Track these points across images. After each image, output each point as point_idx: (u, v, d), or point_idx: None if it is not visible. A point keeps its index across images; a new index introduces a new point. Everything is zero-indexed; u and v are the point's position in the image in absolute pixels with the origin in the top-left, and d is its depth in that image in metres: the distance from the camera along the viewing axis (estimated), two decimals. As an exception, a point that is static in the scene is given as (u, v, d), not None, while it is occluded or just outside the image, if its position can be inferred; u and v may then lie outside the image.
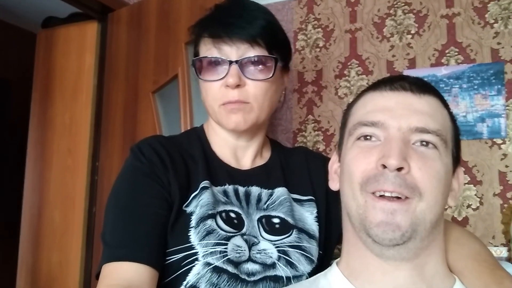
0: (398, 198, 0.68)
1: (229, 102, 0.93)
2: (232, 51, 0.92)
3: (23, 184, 2.56)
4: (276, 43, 0.97)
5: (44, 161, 2.50)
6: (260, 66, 0.94)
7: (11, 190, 3.02)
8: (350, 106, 0.83)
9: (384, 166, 0.68)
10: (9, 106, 3.58)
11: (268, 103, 0.96)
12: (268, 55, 0.94)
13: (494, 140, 2.27)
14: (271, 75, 0.95)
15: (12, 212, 2.79)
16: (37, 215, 2.46)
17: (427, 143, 0.71)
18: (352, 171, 0.73)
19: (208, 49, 0.94)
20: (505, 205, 2.21)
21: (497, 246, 2.17)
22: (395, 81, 0.77)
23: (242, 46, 0.92)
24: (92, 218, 2.34)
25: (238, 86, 0.92)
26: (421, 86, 0.76)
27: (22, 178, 2.57)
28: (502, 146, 2.25)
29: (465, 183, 2.28)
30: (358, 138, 0.75)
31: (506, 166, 2.24)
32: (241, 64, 0.92)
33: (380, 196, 0.68)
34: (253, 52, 0.93)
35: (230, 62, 0.92)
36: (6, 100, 3.57)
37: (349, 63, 2.63)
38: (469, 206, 2.28)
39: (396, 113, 0.72)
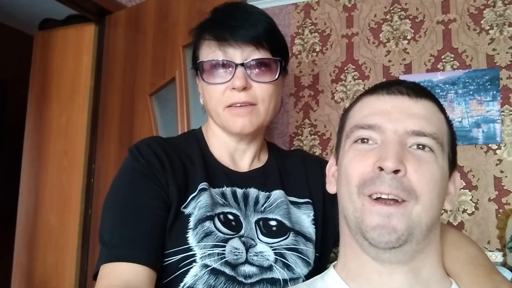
0: (395, 201, 0.68)
1: (235, 104, 0.93)
2: (237, 53, 0.92)
3: (19, 185, 2.55)
4: (278, 46, 0.97)
5: (40, 163, 2.49)
6: (265, 69, 0.94)
7: (6, 192, 3.01)
8: (347, 110, 0.84)
9: (381, 169, 0.69)
10: (6, 108, 3.57)
11: (273, 105, 0.97)
12: (273, 57, 0.95)
13: (490, 145, 2.28)
14: (276, 77, 0.95)
15: (7, 213, 2.78)
16: (32, 217, 2.46)
17: (424, 146, 0.72)
18: (349, 173, 0.73)
19: (212, 52, 0.94)
20: (500, 210, 2.22)
21: (492, 251, 2.18)
22: (392, 86, 0.78)
23: (247, 48, 0.92)
24: (88, 220, 2.33)
25: (244, 88, 0.92)
26: (418, 91, 0.77)
27: (18, 179, 2.56)
28: (497, 151, 2.27)
29: (461, 188, 2.29)
30: (355, 141, 0.75)
31: (501, 172, 2.26)
32: (247, 66, 0.92)
33: (377, 198, 0.69)
34: (258, 54, 0.93)
35: (236, 65, 0.92)
36: (2, 101, 3.56)
37: (345, 68, 2.65)
38: (464, 211, 2.29)
39: (393, 117, 0.73)
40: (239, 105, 0.93)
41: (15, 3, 2.97)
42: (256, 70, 0.93)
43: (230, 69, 0.92)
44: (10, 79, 3.53)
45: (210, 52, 0.94)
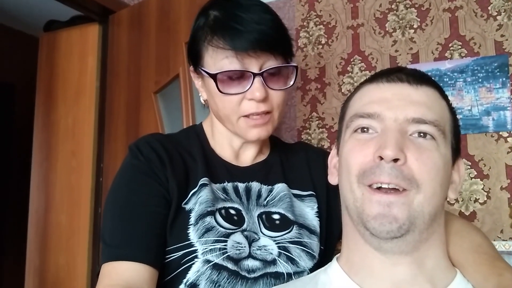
0: (396, 190, 0.67)
1: (254, 114, 0.90)
2: (253, 62, 0.88)
3: (29, 187, 2.57)
4: (290, 48, 0.95)
5: (49, 164, 2.51)
6: (281, 75, 0.92)
7: (17, 193, 3.04)
8: (348, 99, 0.83)
9: (381, 158, 0.67)
10: (14, 110, 3.60)
11: (284, 108, 0.96)
12: (288, 64, 0.92)
13: (500, 133, 2.25)
14: (292, 83, 0.94)
15: (19, 215, 2.81)
16: (43, 218, 2.48)
17: (425, 134, 0.70)
18: (349, 163, 0.72)
19: (227, 60, 0.88)
20: (513, 199, 2.19)
21: (506, 240, 2.16)
22: (392, 73, 0.76)
23: (263, 56, 0.88)
24: (98, 219, 2.34)
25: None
26: (418, 77, 0.75)
27: (28, 181, 2.58)
28: (508, 139, 2.23)
29: (472, 177, 2.26)
30: (355, 130, 0.74)
31: (513, 159, 2.22)
32: (264, 75, 0.89)
33: (377, 188, 0.67)
34: (274, 61, 0.89)
35: (254, 75, 0.88)
36: (10, 104, 3.59)
37: (352, 59, 2.62)
38: (476, 200, 2.26)
39: (393, 104, 0.71)
40: (257, 115, 0.90)
41: (20, 6, 2.99)
42: (273, 78, 0.90)
43: (248, 78, 0.88)
44: (18, 81, 3.56)
45: (222, 59, 0.88)
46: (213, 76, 0.89)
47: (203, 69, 0.92)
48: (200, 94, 1.00)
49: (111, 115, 2.36)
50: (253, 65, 0.88)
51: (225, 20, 0.90)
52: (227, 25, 0.89)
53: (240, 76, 0.89)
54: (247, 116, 0.90)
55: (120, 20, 2.39)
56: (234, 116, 0.91)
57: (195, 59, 0.95)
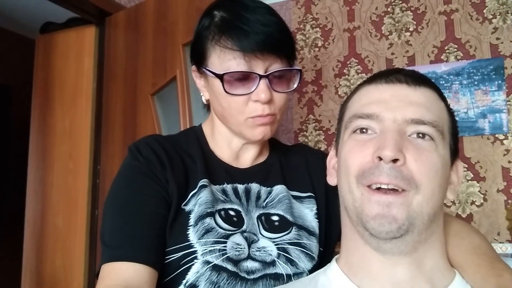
0: (395, 190, 0.67)
1: (259, 116, 0.91)
2: (259, 63, 0.89)
3: (25, 189, 2.56)
4: (294, 52, 0.96)
5: (46, 166, 2.50)
6: (285, 78, 0.93)
7: (14, 196, 3.03)
8: (346, 100, 0.83)
9: (380, 158, 0.67)
10: (10, 112, 3.59)
11: (286, 110, 0.96)
12: (293, 67, 0.93)
13: (496, 135, 2.26)
14: (295, 85, 0.95)
15: (15, 217, 2.80)
16: (40, 220, 2.47)
17: (423, 135, 0.70)
18: (348, 164, 0.72)
19: (235, 61, 0.89)
20: (509, 201, 2.20)
21: (502, 242, 2.16)
22: (391, 74, 0.77)
23: (269, 58, 0.89)
24: (94, 221, 2.34)
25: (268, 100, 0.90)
26: (417, 79, 0.76)
27: (25, 183, 2.57)
28: (505, 141, 2.24)
29: (469, 180, 2.27)
30: (354, 131, 0.74)
31: (509, 162, 2.24)
32: (269, 77, 0.90)
33: (376, 188, 0.67)
34: (279, 65, 0.90)
35: (260, 77, 0.89)
36: (7, 106, 3.58)
37: (348, 62, 2.63)
38: (473, 202, 2.27)
39: (391, 105, 0.72)
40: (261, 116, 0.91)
41: (16, 8, 2.99)
42: (277, 80, 0.91)
43: (253, 80, 0.89)
44: (14, 83, 3.55)
45: (230, 60, 0.89)
46: (220, 77, 0.90)
47: (208, 69, 0.92)
48: (201, 94, 1.00)
49: (108, 117, 2.36)
50: (259, 67, 0.89)
51: (232, 21, 0.90)
52: (235, 26, 0.89)
53: (246, 77, 0.89)
54: (253, 117, 0.91)
55: (117, 22, 2.39)
56: (241, 117, 0.92)
57: (199, 59, 0.95)
